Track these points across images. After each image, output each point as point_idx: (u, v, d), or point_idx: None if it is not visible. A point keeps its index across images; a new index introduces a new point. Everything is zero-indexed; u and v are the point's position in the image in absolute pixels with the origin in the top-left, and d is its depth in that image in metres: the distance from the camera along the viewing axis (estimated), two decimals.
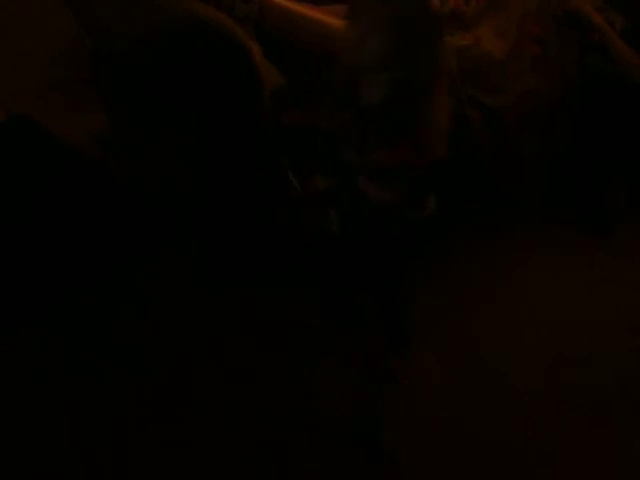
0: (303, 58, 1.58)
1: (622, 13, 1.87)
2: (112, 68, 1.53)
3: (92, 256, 1.61)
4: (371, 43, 1.13)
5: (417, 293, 1.45)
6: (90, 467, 1.25)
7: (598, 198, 1.86)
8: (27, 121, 1.77)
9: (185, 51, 1.31)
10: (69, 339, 1.47)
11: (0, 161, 1.74)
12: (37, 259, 1.58)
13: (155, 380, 1.40)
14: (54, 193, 1.69)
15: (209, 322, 1.51)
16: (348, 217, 1.27)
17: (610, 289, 1.64)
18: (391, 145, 1.15)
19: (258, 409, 1.35)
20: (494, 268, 1.67)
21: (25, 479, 1.24)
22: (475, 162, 1.59)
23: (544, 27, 1.75)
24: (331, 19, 1.65)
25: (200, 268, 1.58)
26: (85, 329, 1.49)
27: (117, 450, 1.28)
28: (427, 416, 1.35)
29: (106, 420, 1.32)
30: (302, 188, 1.45)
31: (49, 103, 1.82)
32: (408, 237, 1.28)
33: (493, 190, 1.67)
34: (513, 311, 1.57)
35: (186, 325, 1.50)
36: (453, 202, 1.43)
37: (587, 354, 1.49)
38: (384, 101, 1.14)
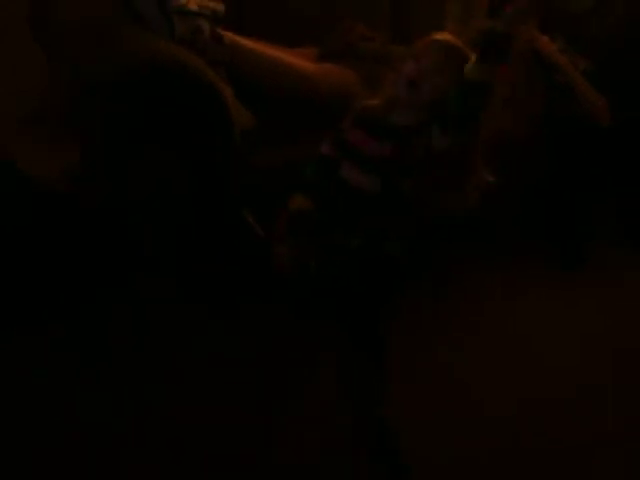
0: (275, 99, 1.62)
1: (585, 55, 1.93)
2: (90, 105, 1.56)
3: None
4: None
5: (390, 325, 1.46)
6: (87, 470, 1.25)
7: (569, 232, 1.89)
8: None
9: (158, 92, 1.34)
10: (67, 347, 1.49)
11: None
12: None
13: (153, 382, 1.41)
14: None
15: (206, 328, 1.53)
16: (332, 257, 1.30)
17: (584, 318, 1.67)
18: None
19: (256, 415, 1.37)
20: (467, 300, 1.69)
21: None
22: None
23: (513, 70, 1.81)
24: (301, 61, 1.70)
25: (180, 292, 1.60)
26: (82, 337, 1.52)
27: (114, 453, 1.28)
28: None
29: (103, 425, 1.33)
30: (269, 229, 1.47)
31: (19, 139, 1.84)
32: (393, 276, 1.32)
33: (467, 223, 1.70)
34: (487, 341, 1.59)
35: (184, 333, 1.53)
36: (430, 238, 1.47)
37: (563, 383, 1.50)
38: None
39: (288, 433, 1.34)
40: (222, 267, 1.55)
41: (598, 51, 1.92)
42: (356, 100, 1.31)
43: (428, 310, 1.64)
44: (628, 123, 1.84)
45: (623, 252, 1.90)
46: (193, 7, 1.52)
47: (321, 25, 1.90)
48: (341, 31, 1.84)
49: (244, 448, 1.31)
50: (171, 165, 1.44)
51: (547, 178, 1.80)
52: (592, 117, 1.79)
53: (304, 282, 1.36)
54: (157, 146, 1.44)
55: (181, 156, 1.43)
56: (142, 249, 1.59)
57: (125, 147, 1.48)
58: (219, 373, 1.44)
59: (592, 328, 1.64)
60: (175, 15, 1.49)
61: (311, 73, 1.65)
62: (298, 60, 1.68)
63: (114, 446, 1.29)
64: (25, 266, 1.58)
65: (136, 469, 1.26)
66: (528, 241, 1.84)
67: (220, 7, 1.62)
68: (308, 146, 1.33)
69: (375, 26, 1.95)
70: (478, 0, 2.13)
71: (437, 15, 2.14)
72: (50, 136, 1.82)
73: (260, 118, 1.53)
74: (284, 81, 1.63)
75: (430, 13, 2.12)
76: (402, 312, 1.53)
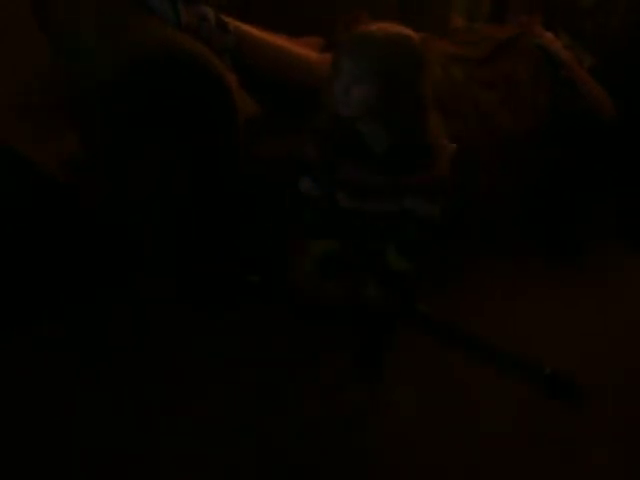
0: (279, 88, 1.61)
1: (591, 51, 1.93)
2: (91, 97, 1.56)
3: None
4: (354, 94, 1.18)
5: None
6: (87, 470, 1.26)
7: (569, 232, 1.89)
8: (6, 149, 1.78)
9: (163, 80, 1.34)
10: (67, 347, 1.50)
11: None
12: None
13: (153, 382, 1.42)
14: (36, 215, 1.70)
15: (206, 328, 1.53)
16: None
17: (584, 318, 1.66)
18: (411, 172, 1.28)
19: (256, 415, 1.38)
20: (467, 300, 1.68)
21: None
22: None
23: (518, 65, 1.80)
24: (306, 51, 1.70)
25: (179, 290, 1.60)
26: (82, 337, 1.52)
27: (114, 453, 1.29)
28: (396, 449, 1.34)
29: (103, 425, 1.34)
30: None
31: (18, 132, 1.84)
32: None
33: (465, 224, 1.70)
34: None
35: (184, 333, 1.53)
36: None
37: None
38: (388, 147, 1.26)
39: (288, 434, 1.35)
40: (222, 267, 1.55)
41: (603, 47, 1.92)
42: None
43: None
44: (631, 121, 1.84)
45: (623, 252, 1.89)
46: None
47: (327, 14, 1.88)
48: (347, 21, 1.83)
49: (244, 449, 1.31)
50: (171, 165, 1.44)
51: (547, 177, 1.80)
52: (596, 111, 1.79)
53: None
54: (157, 146, 1.44)
55: (181, 150, 1.43)
56: (142, 249, 1.59)
57: (125, 147, 1.47)
58: (219, 373, 1.44)
59: (592, 328, 1.64)
60: (181, 3, 1.48)
61: (316, 62, 1.64)
62: (303, 49, 1.67)
63: (114, 446, 1.30)
64: (25, 266, 1.59)
65: (136, 469, 1.27)
66: (528, 241, 1.84)
67: None
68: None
69: (382, 16, 1.94)
70: None
71: (444, 6, 2.14)
72: (50, 124, 1.81)
73: (264, 107, 1.53)
74: (289, 70, 1.62)
75: (438, 5, 2.12)
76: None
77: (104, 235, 1.65)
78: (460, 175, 1.57)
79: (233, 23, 1.56)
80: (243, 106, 1.46)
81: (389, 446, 1.35)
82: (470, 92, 1.73)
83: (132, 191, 1.56)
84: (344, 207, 1.36)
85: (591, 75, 1.84)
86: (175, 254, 1.55)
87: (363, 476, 1.31)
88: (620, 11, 1.99)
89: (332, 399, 1.42)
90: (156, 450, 1.30)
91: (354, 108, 1.21)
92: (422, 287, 1.50)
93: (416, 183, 1.29)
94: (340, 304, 1.44)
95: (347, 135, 1.28)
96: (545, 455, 1.34)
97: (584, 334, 1.62)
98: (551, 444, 1.36)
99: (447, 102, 1.62)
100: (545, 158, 1.79)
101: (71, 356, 1.48)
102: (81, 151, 1.80)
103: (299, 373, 1.47)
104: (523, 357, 1.46)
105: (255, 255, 1.56)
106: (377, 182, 1.30)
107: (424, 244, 1.36)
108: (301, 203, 1.39)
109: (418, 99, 1.22)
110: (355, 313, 1.44)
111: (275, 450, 1.32)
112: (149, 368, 1.45)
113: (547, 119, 1.78)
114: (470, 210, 1.65)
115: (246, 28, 1.59)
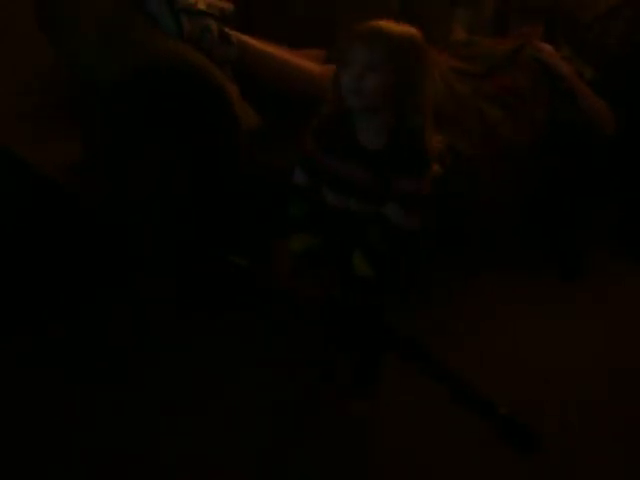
0: (281, 99, 1.62)
1: (592, 63, 1.92)
2: (93, 101, 1.56)
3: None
4: (369, 82, 1.18)
5: None
6: (87, 470, 1.26)
7: (568, 241, 1.88)
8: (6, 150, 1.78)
9: (164, 90, 1.34)
10: (67, 347, 1.50)
11: None
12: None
13: (153, 382, 1.42)
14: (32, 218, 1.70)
15: (206, 328, 1.54)
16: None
17: (583, 326, 1.67)
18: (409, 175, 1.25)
19: (256, 415, 1.38)
20: (467, 307, 1.68)
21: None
22: (448, 207, 1.61)
23: (518, 78, 1.81)
24: (308, 62, 1.70)
25: (179, 290, 1.60)
26: (82, 337, 1.53)
27: (115, 453, 1.29)
28: (396, 449, 1.35)
29: (103, 425, 1.34)
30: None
31: (18, 133, 1.84)
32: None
33: (466, 234, 1.70)
34: (485, 349, 1.57)
35: (184, 332, 1.54)
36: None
37: (562, 386, 1.50)
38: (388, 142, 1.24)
39: (288, 434, 1.35)
40: (222, 267, 1.55)
41: (604, 59, 1.92)
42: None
43: (427, 319, 1.63)
44: (631, 130, 1.84)
45: (623, 261, 1.88)
46: (202, 6, 1.52)
47: (329, 27, 1.89)
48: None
49: (244, 449, 1.31)
50: (171, 165, 1.45)
51: (547, 187, 1.79)
52: (596, 125, 1.79)
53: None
54: (157, 146, 1.44)
55: (181, 156, 1.44)
56: (142, 249, 1.59)
57: (125, 147, 1.48)
58: (219, 373, 1.45)
59: (591, 335, 1.64)
60: (183, 14, 1.49)
61: (318, 74, 1.64)
62: (304, 61, 1.67)
63: (114, 446, 1.30)
64: (25, 266, 1.58)
65: (136, 469, 1.27)
66: (527, 250, 1.83)
67: (228, 6, 1.62)
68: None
69: None
70: (486, 6, 2.14)
71: (446, 19, 2.14)
72: (50, 124, 1.82)
73: (266, 118, 1.54)
74: (291, 81, 1.63)
75: (440, 17, 2.12)
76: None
77: (104, 235, 1.65)
78: (460, 185, 1.58)
79: (236, 36, 1.57)
80: (244, 117, 1.46)
81: (389, 446, 1.35)
82: (475, 106, 1.73)
83: (132, 191, 1.56)
84: (328, 202, 1.35)
85: (592, 87, 1.84)
86: (175, 254, 1.55)
87: (363, 476, 1.31)
88: (621, 24, 1.98)
89: (332, 399, 1.42)
90: (156, 450, 1.30)
91: (367, 97, 1.19)
92: (394, 300, 1.47)
93: (400, 187, 1.26)
94: (317, 301, 1.42)
95: (342, 130, 1.27)
96: (545, 455, 1.34)
97: (584, 339, 1.63)
98: (551, 444, 1.36)
99: (453, 116, 1.63)
100: (544, 168, 1.78)
101: (71, 356, 1.48)
102: (81, 151, 1.80)
103: (299, 373, 1.47)
104: (479, 394, 1.39)
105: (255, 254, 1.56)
106: (363, 179, 1.29)
107: (391, 254, 1.32)
108: (289, 194, 1.37)
109: (422, 99, 1.22)
110: (330, 310, 1.41)
111: (275, 450, 1.32)
112: (149, 368, 1.45)
113: (546, 131, 1.78)
114: (470, 220, 1.65)
115: (249, 40, 1.60)
